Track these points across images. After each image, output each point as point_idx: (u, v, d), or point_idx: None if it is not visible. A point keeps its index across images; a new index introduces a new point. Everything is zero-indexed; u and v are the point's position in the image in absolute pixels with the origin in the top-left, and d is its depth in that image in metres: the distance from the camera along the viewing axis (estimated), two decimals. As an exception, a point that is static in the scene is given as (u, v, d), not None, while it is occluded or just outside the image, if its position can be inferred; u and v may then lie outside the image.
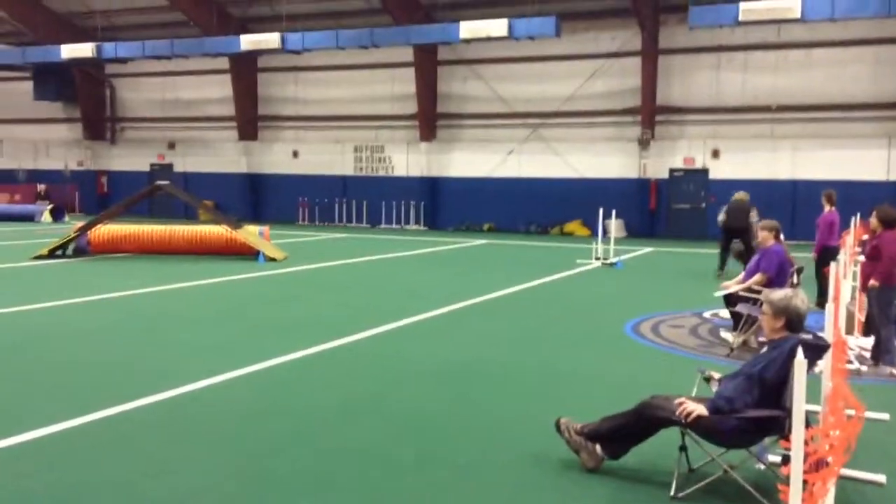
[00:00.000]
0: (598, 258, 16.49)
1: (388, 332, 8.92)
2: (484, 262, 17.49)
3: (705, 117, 24.26)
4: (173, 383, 6.41)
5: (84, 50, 26.86)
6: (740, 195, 15.04)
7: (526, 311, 10.76)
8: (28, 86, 32.33)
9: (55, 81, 31.79)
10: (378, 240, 22.72)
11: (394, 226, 28.15)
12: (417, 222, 28.01)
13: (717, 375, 4.74)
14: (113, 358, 7.49)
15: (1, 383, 6.57)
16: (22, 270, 14.35)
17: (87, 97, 32.73)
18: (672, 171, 24.80)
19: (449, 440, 5.24)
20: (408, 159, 28.36)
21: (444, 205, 27.98)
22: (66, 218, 28.15)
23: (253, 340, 8.44)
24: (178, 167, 31.94)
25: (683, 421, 4.31)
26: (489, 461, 4.84)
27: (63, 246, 16.41)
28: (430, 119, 27.61)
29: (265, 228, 17.99)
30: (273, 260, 16.06)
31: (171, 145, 32.30)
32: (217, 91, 30.81)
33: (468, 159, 27.46)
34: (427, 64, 27.19)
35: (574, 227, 25.50)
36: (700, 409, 4.31)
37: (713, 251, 16.42)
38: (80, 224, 17.59)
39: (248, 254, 16.41)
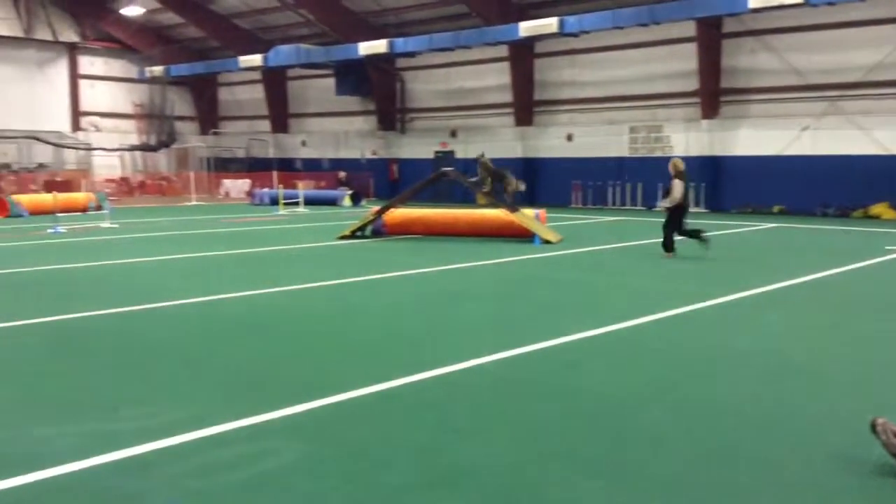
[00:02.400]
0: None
1: (671, 317, 8.68)
2: (773, 246, 16.34)
3: None
4: (461, 356, 6.77)
5: (379, 46, 29.10)
6: None
7: (827, 302, 9.89)
8: (331, 82, 35.67)
9: (354, 77, 34.73)
10: (654, 223, 22.08)
11: (671, 208, 27.19)
12: (697, 204, 26.83)
13: None
14: (416, 330, 8.08)
15: (323, 346, 7.38)
16: (331, 249, 15.97)
17: (380, 90, 35.38)
18: None
19: (746, 433, 4.99)
20: (687, 138, 27.25)
21: (727, 186, 26.51)
22: (363, 202, 30.78)
23: (533, 320, 8.64)
24: (459, 154, 33.46)
25: None
26: (793, 459, 4.54)
27: (363, 227, 17.99)
28: (712, 95, 26.26)
29: (541, 212, 18.28)
30: (548, 242, 16.29)
31: (453, 133, 33.92)
32: (496, 79, 31.78)
33: (755, 137, 25.73)
34: (710, 38, 25.86)
35: (881, 209, 22.90)
36: None
37: None
38: (376, 208, 19.14)
39: (524, 236, 16.80)
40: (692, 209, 26.29)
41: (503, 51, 30.44)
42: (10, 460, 4.43)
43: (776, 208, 25.10)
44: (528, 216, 17.20)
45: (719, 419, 5.26)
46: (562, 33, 24.86)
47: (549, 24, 24.67)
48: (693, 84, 26.58)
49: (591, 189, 29.61)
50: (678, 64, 27.01)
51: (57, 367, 6.62)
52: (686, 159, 26.87)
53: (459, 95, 33.42)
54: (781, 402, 5.67)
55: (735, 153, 26.24)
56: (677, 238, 14.08)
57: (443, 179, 19.18)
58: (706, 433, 4.98)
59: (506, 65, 31.00)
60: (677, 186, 13.89)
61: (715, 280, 11.51)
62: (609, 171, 29.05)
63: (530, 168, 31.28)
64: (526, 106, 31.12)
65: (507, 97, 31.49)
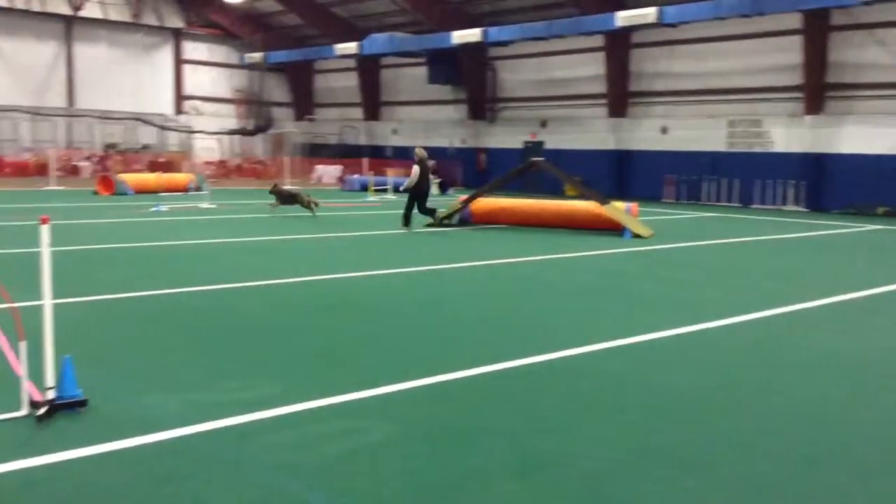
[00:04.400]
0: None
1: (767, 317, 8.42)
2: (878, 249, 15.62)
3: None
4: (552, 347, 6.75)
5: (472, 35, 29.10)
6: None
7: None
8: (423, 71, 35.90)
9: (446, 66, 34.84)
10: (750, 220, 21.47)
11: (768, 206, 26.34)
12: (797, 203, 25.89)
13: None
14: (502, 318, 8.11)
15: (415, 329, 7.48)
16: (419, 236, 16.13)
17: (471, 80, 35.39)
18: None
19: (843, 438, 4.82)
20: (788, 134, 26.26)
21: (829, 184, 25.44)
22: (451, 191, 30.92)
23: (625, 313, 8.54)
24: (549, 144, 33.20)
25: None
26: (890, 467, 4.36)
27: (450, 216, 18.09)
28: (817, 90, 25.21)
29: (632, 205, 17.99)
30: (639, 237, 16.02)
31: (543, 123, 33.66)
32: (590, 69, 31.35)
33: (864, 134, 24.57)
34: (817, 30, 24.81)
35: None
36: None
37: None
38: (464, 197, 19.21)
39: (614, 229, 16.57)
40: (791, 207, 25.48)
41: (598, 40, 29.99)
42: (124, 424, 4.68)
43: (880, 209, 23.95)
44: (618, 209, 16.95)
45: (815, 423, 5.09)
46: (660, 23, 24.31)
47: (648, 13, 24.17)
48: (796, 78, 25.60)
49: (685, 184, 28.92)
50: (781, 57, 26.03)
51: (161, 339, 6.93)
52: (786, 156, 26.29)
53: (551, 85, 33.12)
54: (882, 408, 5.44)
55: (839, 151, 25.15)
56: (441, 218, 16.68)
57: (532, 170, 19.08)
58: (801, 436, 4.83)
59: (600, 55, 30.54)
60: (415, 171, 16.96)
61: (816, 281, 11.10)
62: (704, 165, 28.30)
63: (622, 160, 30.79)
64: (620, 97, 30.59)
65: (601, 88, 31.03)
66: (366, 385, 5.53)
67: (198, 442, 4.46)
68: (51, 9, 35.88)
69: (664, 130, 29.70)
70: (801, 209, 25.46)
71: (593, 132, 31.56)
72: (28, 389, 4.79)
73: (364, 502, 3.77)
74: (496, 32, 28.87)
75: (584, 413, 5.19)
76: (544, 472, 4.19)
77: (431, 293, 9.59)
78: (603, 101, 31.13)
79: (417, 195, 17.00)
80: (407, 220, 16.80)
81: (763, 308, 8.77)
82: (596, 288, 10.31)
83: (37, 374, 4.86)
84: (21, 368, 4.80)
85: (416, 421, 4.92)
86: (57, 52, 37.08)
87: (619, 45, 29.91)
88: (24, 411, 4.70)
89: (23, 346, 4.75)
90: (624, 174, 30.77)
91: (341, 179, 34.16)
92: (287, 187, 21.03)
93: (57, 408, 4.72)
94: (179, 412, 4.90)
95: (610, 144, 30.98)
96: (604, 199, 17.40)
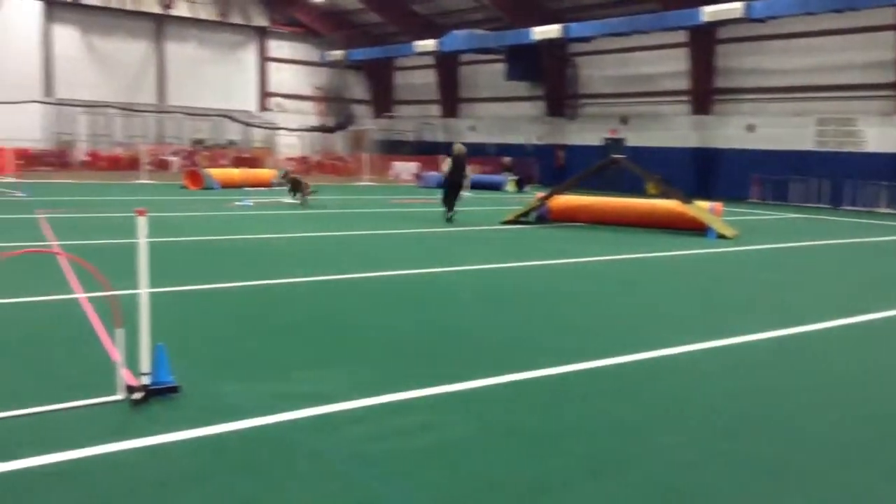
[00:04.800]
0: None
1: (864, 322, 8.10)
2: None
3: None
4: (634, 347, 6.66)
5: (552, 31, 28.90)
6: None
7: None
8: (501, 67, 35.82)
9: (525, 62, 34.67)
10: (840, 222, 20.69)
11: (859, 207, 25.31)
12: (890, 205, 24.79)
13: None
14: (585, 317, 8.04)
15: (494, 327, 7.49)
16: (496, 232, 16.13)
17: (551, 76, 35.14)
18: None
19: (941, 452, 4.60)
20: (881, 133, 25.17)
21: (926, 186, 24.31)
22: (527, 188, 30.79)
23: (710, 315, 8.36)
24: (629, 141, 32.68)
25: None
26: None
27: (527, 213, 18.02)
28: (913, 87, 24.11)
29: (716, 204, 17.56)
30: (724, 237, 15.63)
31: (624, 120, 33.16)
32: (673, 65, 30.72)
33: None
34: (915, 24, 23.72)
35: None
36: None
37: None
38: (541, 194, 19.10)
39: (697, 229, 16.21)
40: (885, 210, 24.39)
41: (682, 36, 29.36)
42: (208, 411, 4.84)
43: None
44: (702, 209, 16.58)
45: (914, 434, 4.89)
46: (748, 19, 23.64)
47: (735, 8, 23.54)
48: (889, 76, 24.51)
49: (772, 183, 28.05)
50: (873, 54, 24.97)
51: (247, 329, 7.13)
52: (879, 156, 25.19)
53: (633, 82, 32.59)
54: None
55: (938, 150, 24.01)
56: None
57: (612, 167, 18.82)
58: (887, 448, 4.64)
59: (684, 50, 29.90)
60: (446, 163, 18.01)
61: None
62: (792, 164, 27.39)
63: (706, 158, 30.08)
64: (704, 94, 29.88)
65: (684, 84, 30.37)
66: (446, 380, 5.57)
67: (280, 431, 4.57)
68: (143, 8, 37.26)
69: (750, 128, 28.87)
70: (890, 211, 24.38)
71: (676, 129, 30.93)
72: (124, 375, 5.00)
73: (441, 497, 3.80)
74: (577, 28, 28.60)
75: (666, 415, 5.10)
76: (624, 473, 4.14)
77: (511, 290, 9.58)
78: (686, 97, 30.46)
79: (450, 186, 17.96)
80: (449, 208, 17.81)
81: (858, 312, 8.44)
82: (680, 288, 10.12)
83: (132, 361, 5.07)
84: (118, 354, 5.02)
85: (496, 418, 4.93)
86: (148, 51, 38.48)
87: (704, 41, 29.20)
88: (120, 395, 4.91)
89: (120, 333, 4.96)
90: (707, 173, 30.05)
91: (418, 176, 34.41)
92: (295, 176, 21.95)
93: (151, 393, 4.92)
94: (263, 401, 5.04)
95: (693, 142, 30.31)
96: (687, 197, 17.03)
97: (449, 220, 17.50)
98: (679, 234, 16.12)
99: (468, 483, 3.95)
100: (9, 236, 12.11)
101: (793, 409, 5.30)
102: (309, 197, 20.38)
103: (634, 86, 32.51)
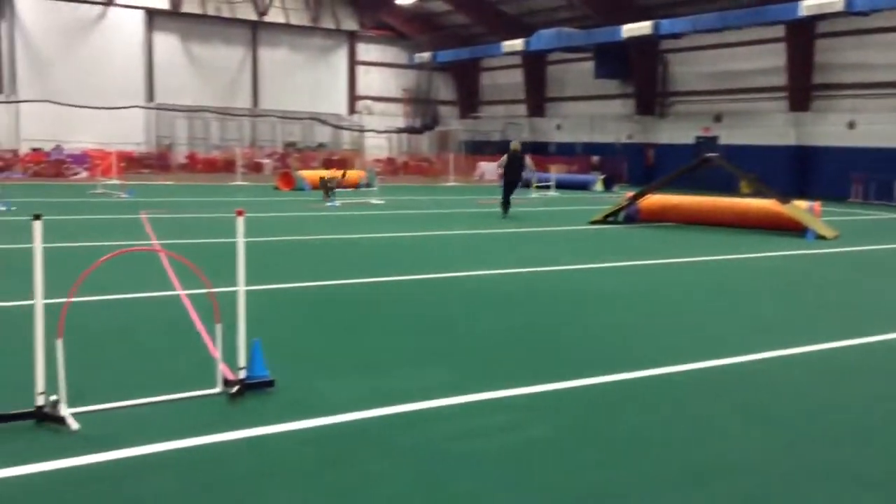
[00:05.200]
0: None
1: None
2: None
3: None
4: (723, 352, 6.48)
5: (642, 28, 28.38)
6: None
7: None
8: (590, 65, 35.40)
9: (614, 60, 34.17)
10: (952, 223, 19.57)
11: (973, 207, 23.91)
12: None
13: None
14: (673, 319, 7.88)
15: (583, 327, 7.43)
16: (584, 232, 15.97)
17: (641, 74, 34.51)
18: None
19: None
20: None
21: None
22: (616, 188, 30.33)
23: (807, 319, 8.07)
24: (723, 140, 31.78)
25: None
26: None
27: (615, 213, 17.76)
28: None
29: (815, 204, 16.90)
30: (823, 238, 15.04)
31: (717, 118, 32.27)
32: (769, 61, 29.71)
33: None
34: None
35: None
36: None
37: None
38: (631, 193, 18.79)
39: (794, 230, 15.64)
40: None
41: (779, 31, 28.34)
42: (302, 406, 4.97)
43: None
44: (800, 208, 15.99)
45: None
46: (849, 12, 22.64)
47: (835, 1, 22.58)
48: None
49: (874, 182, 26.76)
50: None
51: (339, 326, 7.28)
52: None
53: (726, 78, 31.67)
54: None
55: None
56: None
57: (705, 166, 18.33)
58: None
59: (781, 45, 28.85)
60: (501, 160, 19.01)
61: None
62: (896, 162, 26.10)
63: (803, 157, 28.98)
64: (802, 90, 28.77)
65: (781, 80, 29.31)
66: (538, 380, 5.56)
67: (371, 426, 4.66)
68: (239, 15, 38.49)
69: (851, 125, 27.65)
70: None
71: (771, 127, 29.90)
72: (222, 369, 5.19)
73: (531, 498, 3.79)
74: (668, 25, 27.99)
75: (756, 423, 4.95)
76: (713, 483, 4.04)
77: (598, 291, 9.47)
78: (783, 94, 29.41)
79: (506, 184, 18.80)
80: (504, 206, 18.70)
81: (967, 319, 7.99)
82: (775, 290, 9.79)
83: (229, 356, 5.25)
84: (216, 349, 5.21)
85: (588, 420, 4.89)
86: (244, 56, 39.74)
87: (802, 36, 28.11)
88: (218, 389, 5.10)
89: (218, 328, 5.15)
90: (805, 172, 28.94)
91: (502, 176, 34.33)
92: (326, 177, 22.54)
93: (247, 387, 5.09)
94: (354, 397, 5.14)
95: (790, 140, 29.24)
96: (784, 197, 16.45)
97: (504, 218, 18.22)
98: (775, 235, 15.59)
99: (557, 485, 3.93)
100: (115, 235, 12.72)
101: (892, 420, 5.07)
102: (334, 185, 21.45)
103: (728, 82, 31.59)
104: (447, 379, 5.62)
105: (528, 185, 19.16)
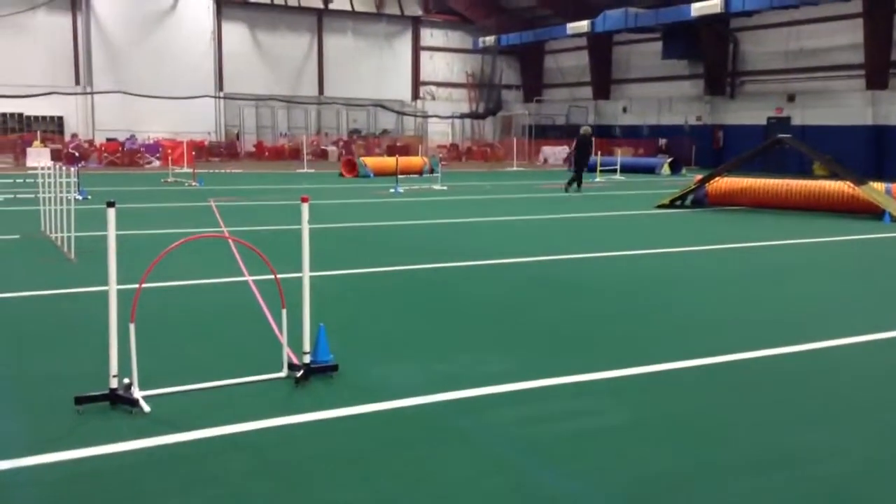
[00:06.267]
0: None
1: None
2: None
3: None
4: (802, 338, 6.29)
5: (712, 6, 27.67)
6: None
7: None
8: (657, 46, 34.70)
9: (682, 40, 33.42)
10: None
11: None
12: None
13: None
14: (745, 304, 7.70)
15: (651, 314, 7.32)
16: (651, 217, 15.70)
17: (710, 53, 33.67)
18: None
19: None
20: None
21: None
22: (683, 171, 29.71)
23: (888, 304, 7.76)
24: (796, 120, 30.81)
25: None
26: None
27: (683, 196, 17.40)
28: None
29: (893, 186, 16.25)
30: (902, 221, 14.46)
31: (791, 98, 31.27)
32: (845, 37, 28.63)
33: None
34: None
35: None
36: None
37: None
38: (699, 176, 18.37)
39: (871, 212, 15.07)
40: None
41: (856, 6, 27.25)
42: (365, 390, 5.02)
43: None
44: (877, 190, 15.39)
45: None
46: (933, -18, 21.60)
47: (918, -29, 21.55)
48: None
49: (958, 162, 25.61)
50: None
51: (401, 312, 7.32)
52: None
53: (800, 56, 30.65)
54: None
55: None
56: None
57: (777, 147, 17.80)
58: None
59: (858, 21, 27.75)
60: (573, 145, 22.09)
61: None
62: (984, 141, 24.88)
63: (880, 137, 27.88)
64: (881, 67, 27.64)
65: (858, 58, 28.21)
66: (599, 367, 5.49)
67: (434, 411, 4.67)
68: (305, 3, 38.93)
69: (934, 102, 26.46)
70: None
71: (848, 106, 28.84)
72: (287, 353, 5.28)
73: (598, 484, 3.75)
74: (740, 2, 27.22)
75: (835, 410, 4.79)
76: (785, 470, 3.92)
77: (667, 276, 9.29)
78: (860, 71, 28.31)
79: (577, 163, 21.61)
80: (577, 183, 21.27)
81: None
82: (853, 274, 9.46)
83: (295, 341, 5.33)
84: (282, 335, 5.30)
85: (651, 407, 4.81)
86: (309, 44, 40.22)
87: (881, 10, 26.98)
88: (283, 373, 5.19)
89: (284, 313, 5.23)
90: (883, 152, 27.83)
91: (566, 160, 34.02)
92: None
93: (312, 371, 5.16)
94: (417, 382, 5.16)
95: (867, 119, 28.15)
96: (860, 178, 15.85)
97: (566, 191, 20.78)
98: (851, 218, 15.05)
99: (622, 472, 3.88)
100: (186, 223, 13.05)
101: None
102: None
103: (801, 61, 30.57)
104: (508, 365, 5.59)
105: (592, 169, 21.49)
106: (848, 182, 15.70)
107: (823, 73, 29.86)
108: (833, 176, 16.87)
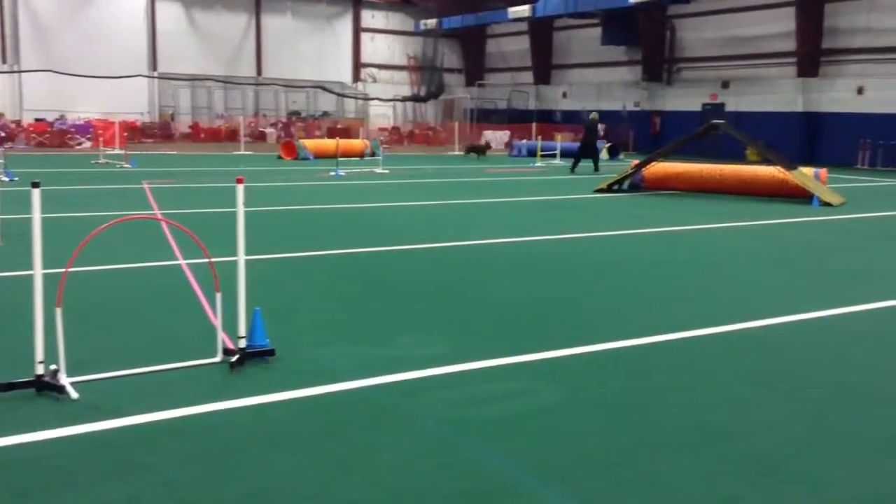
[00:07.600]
0: None
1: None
2: None
3: None
4: (729, 318, 6.46)
5: (650, -7, 27.99)
6: None
7: None
8: (597, 32, 35.02)
9: (621, 26, 33.80)
10: (960, 189, 19.40)
11: (982, 174, 23.68)
12: None
13: None
14: (676, 287, 7.85)
15: (588, 294, 7.41)
16: (589, 201, 15.90)
17: (648, 40, 34.13)
18: None
19: None
20: None
21: None
22: (621, 156, 30.14)
23: (811, 285, 8.03)
24: (730, 106, 31.51)
25: None
26: None
27: (620, 181, 17.66)
28: None
29: (822, 171, 16.79)
30: (828, 205, 14.95)
31: (725, 84, 31.96)
32: (778, 26, 29.35)
33: None
34: None
35: None
36: None
37: None
38: (636, 161, 18.66)
39: (800, 196, 15.54)
40: None
41: (789, -6, 27.97)
42: (303, 374, 4.98)
43: None
44: (806, 175, 15.88)
45: None
46: (860, -27, 22.27)
47: (846, -38, 22.19)
48: None
49: (882, 149, 26.56)
50: None
51: (340, 295, 7.27)
52: None
53: (734, 44, 31.31)
54: None
55: None
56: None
57: (711, 133, 18.19)
58: None
59: (791, 10, 28.48)
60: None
61: None
62: (906, 129, 25.85)
63: (811, 123, 28.73)
64: (811, 55, 28.45)
65: (790, 45, 28.98)
66: (535, 348, 5.55)
67: (372, 394, 4.66)
68: (241, -18, 38.11)
69: (860, 91, 27.38)
70: None
71: (780, 93, 29.63)
72: (223, 338, 5.19)
73: (533, 463, 3.80)
74: (677, -11, 27.62)
75: (760, 387, 4.94)
76: (715, 446, 4.04)
77: (604, 259, 9.43)
78: (791, 59, 29.10)
79: (583, 146, 23.25)
80: (594, 164, 23.00)
81: (974, 286, 7.94)
82: (779, 258, 9.74)
83: (230, 325, 5.25)
84: (217, 319, 5.20)
85: (586, 387, 4.88)
86: (247, 24, 39.40)
87: (813, 0, 27.72)
88: (218, 358, 5.11)
89: (219, 297, 5.14)
90: (813, 138, 28.71)
91: (508, 145, 34.17)
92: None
93: (248, 356, 5.09)
94: (355, 365, 5.14)
95: (798, 106, 28.98)
96: (790, 164, 16.32)
97: (572, 172, 22.56)
98: (781, 202, 15.50)
99: (558, 449, 3.93)
100: (117, 205, 12.70)
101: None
102: None
103: (736, 48, 31.24)
104: (447, 347, 5.61)
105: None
106: (779, 167, 16.14)
107: (757, 60, 30.58)
108: (765, 161, 17.33)
